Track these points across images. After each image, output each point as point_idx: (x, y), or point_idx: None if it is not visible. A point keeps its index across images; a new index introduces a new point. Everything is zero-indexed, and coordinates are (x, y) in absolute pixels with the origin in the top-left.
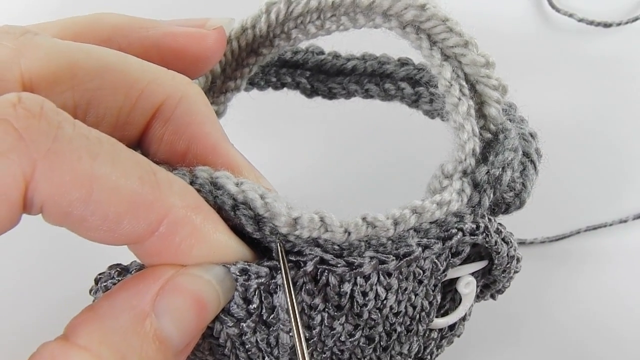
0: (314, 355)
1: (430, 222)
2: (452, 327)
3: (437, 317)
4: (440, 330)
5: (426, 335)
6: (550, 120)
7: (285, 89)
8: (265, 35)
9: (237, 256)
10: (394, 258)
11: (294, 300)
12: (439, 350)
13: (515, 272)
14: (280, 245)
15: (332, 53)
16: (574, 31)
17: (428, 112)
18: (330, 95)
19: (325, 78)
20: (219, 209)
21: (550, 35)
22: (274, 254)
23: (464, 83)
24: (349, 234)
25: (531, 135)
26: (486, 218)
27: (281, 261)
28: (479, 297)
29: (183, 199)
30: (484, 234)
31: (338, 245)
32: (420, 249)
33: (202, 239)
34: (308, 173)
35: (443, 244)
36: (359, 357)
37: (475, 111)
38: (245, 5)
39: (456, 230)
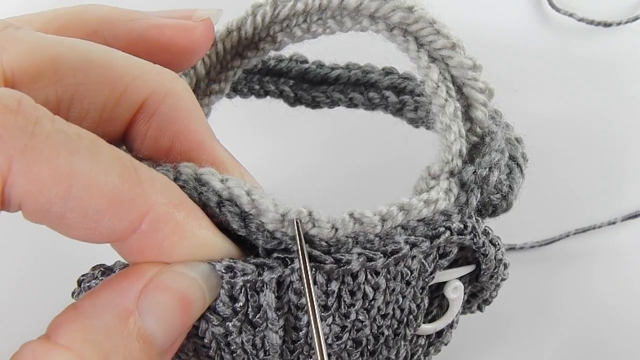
0: (300, 359)
1: (418, 220)
2: (439, 334)
3: (424, 322)
4: (428, 336)
5: (414, 341)
6: (548, 119)
7: (268, 97)
8: (250, 38)
9: (222, 253)
10: (382, 255)
11: (312, 289)
12: (426, 358)
13: (503, 279)
14: (298, 225)
15: (316, 62)
16: (574, 31)
17: (412, 121)
18: (314, 104)
19: (309, 87)
20: (204, 206)
21: (550, 34)
22: (291, 238)
23: (450, 85)
24: (337, 230)
25: (517, 140)
26: (474, 218)
27: (298, 243)
28: (465, 307)
29: (165, 195)
30: (472, 234)
31: (325, 242)
32: (408, 246)
33: (186, 236)
34: (301, 174)
35: (431, 243)
36: None
37: (462, 114)
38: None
39: (444, 229)
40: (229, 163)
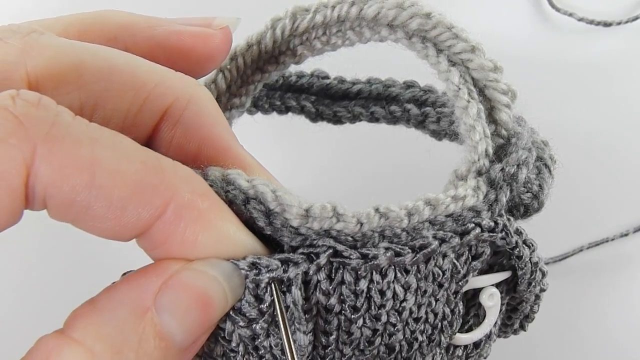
0: None
1: (446, 216)
2: (477, 346)
3: (461, 332)
4: (465, 347)
5: (450, 352)
6: (548, 119)
7: (289, 113)
8: (270, 52)
9: (246, 249)
10: (410, 250)
11: (291, 338)
12: None
13: (542, 289)
14: (274, 286)
15: (337, 77)
16: (574, 30)
17: (435, 133)
18: (335, 119)
19: (330, 102)
20: (230, 204)
21: (550, 34)
22: (272, 290)
23: (472, 87)
24: (362, 224)
25: (543, 143)
26: (504, 217)
27: (277, 306)
28: (507, 327)
29: (189, 184)
30: (503, 233)
31: (351, 237)
32: (437, 242)
33: (209, 226)
34: (318, 178)
35: (461, 239)
36: None
37: (485, 116)
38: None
39: (473, 225)
40: (255, 167)
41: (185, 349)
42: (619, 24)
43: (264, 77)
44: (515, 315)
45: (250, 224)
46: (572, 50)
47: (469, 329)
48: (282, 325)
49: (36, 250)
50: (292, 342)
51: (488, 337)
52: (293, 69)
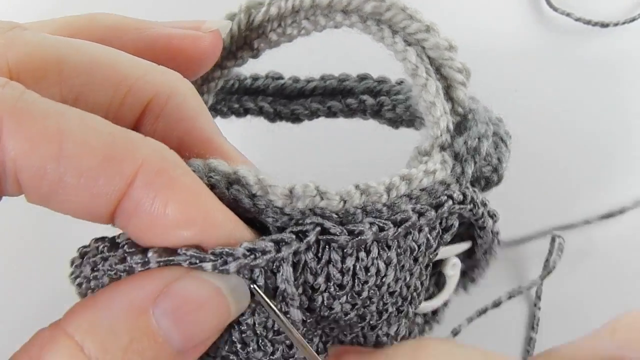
0: (305, 334)
1: (421, 190)
2: (435, 312)
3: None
4: (424, 315)
5: (410, 319)
6: (545, 119)
7: (248, 115)
8: (228, 48)
9: (224, 224)
10: (392, 225)
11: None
12: (422, 335)
13: (494, 257)
14: (256, 288)
15: (291, 77)
16: (571, 30)
17: (391, 121)
18: (293, 117)
19: (287, 101)
20: (212, 187)
21: (546, 34)
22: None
23: (429, 66)
24: (345, 201)
25: (498, 119)
26: (471, 189)
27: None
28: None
29: (160, 153)
30: (472, 204)
31: (336, 214)
32: (415, 215)
33: (180, 193)
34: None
35: (436, 212)
36: (345, 333)
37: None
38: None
39: (446, 198)
40: (238, 159)
41: (184, 353)
42: (616, 25)
43: (224, 74)
44: (463, 279)
45: (233, 207)
46: (569, 50)
47: (429, 297)
48: (274, 313)
49: (41, 242)
50: (291, 326)
51: (445, 304)
52: (248, 72)
